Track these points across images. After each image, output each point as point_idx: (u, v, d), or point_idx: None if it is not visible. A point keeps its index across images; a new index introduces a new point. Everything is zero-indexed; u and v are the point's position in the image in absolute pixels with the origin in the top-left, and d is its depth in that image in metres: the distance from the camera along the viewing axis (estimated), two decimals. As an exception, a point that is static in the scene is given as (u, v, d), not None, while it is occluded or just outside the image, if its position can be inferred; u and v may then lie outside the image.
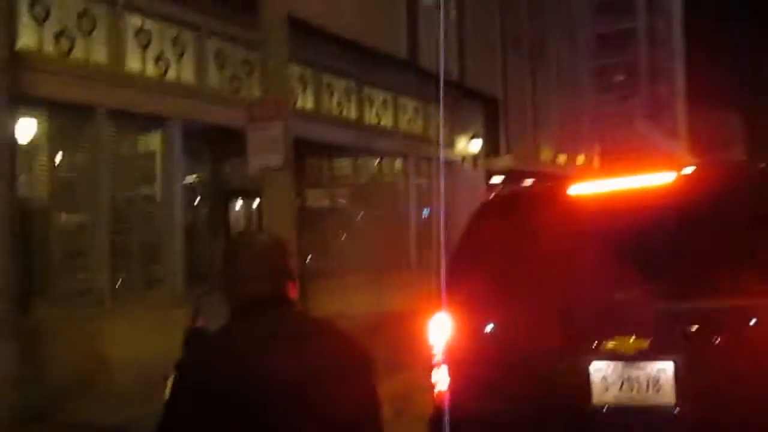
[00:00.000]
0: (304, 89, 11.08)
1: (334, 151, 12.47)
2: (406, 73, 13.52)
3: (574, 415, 2.99)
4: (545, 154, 22.41)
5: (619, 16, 55.02)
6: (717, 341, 2.87)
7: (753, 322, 2.83)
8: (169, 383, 1.60)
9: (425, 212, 14.79)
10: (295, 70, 10.95)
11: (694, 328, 2.88)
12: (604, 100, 32.22)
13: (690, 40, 75.00)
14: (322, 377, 1.58)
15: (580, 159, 26.04)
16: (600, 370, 2.94)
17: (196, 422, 1.50)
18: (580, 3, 27.81)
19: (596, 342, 2.95)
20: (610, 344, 2.92)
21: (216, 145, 9.89)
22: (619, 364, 2.92)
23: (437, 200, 14.97)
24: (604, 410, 2.95)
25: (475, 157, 15.96)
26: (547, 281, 3.16)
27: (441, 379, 3.24)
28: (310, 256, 11.41)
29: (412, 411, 5.14)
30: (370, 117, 12.80)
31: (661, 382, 2.85)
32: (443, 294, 3.33)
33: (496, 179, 18.56)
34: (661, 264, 3.03)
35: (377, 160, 13.60)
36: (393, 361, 8.11)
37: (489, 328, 3.26)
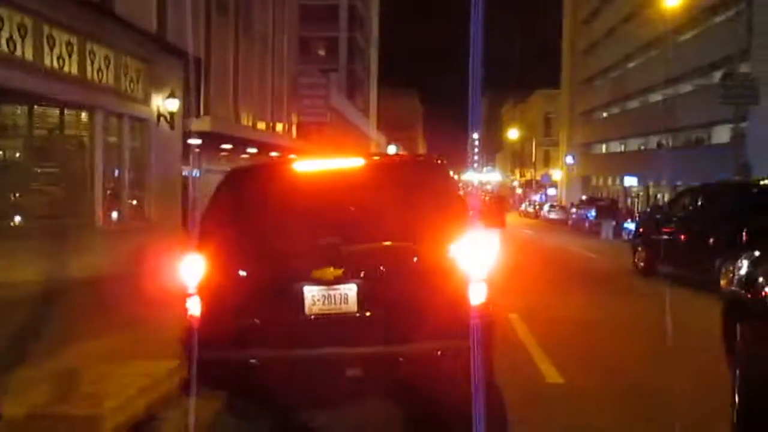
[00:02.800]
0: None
1: (4, 95, 10.87)
2: (97, 17, 12.33)
3: (292, 323, 4.28)
4: (245, 120, 22.54)
5: (323, -7, 57.18)
6: (381, 270, 4.38)
7: (398, 257, 4.42)
8: None
9: (115, 172, 13.82)
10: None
11: (368, 263, 4.33)
12: (305, 72, 33.42)
13: (383, 24, 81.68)
14: None
15: (279, 127, 26.78)
16: (310, 291, 4.27)
17: None
18: (287, -26, 28.30)
19: (307, 273, 4.26)
20: (316, 274, 4.24)
21: None
22: (323, 288, 4.27)
23: (128, 159, 14.08)
24: (312, 317, 4.28)
25: (171, 116, 15.33)
26: (274, 233, 4.46)
27: (193, 306, 4.35)
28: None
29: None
30: (51, 60, 11.41)
31: (349, 297, 4.28)
32: (196, 241, 4.41)
33: (194, 140, 18.12)
34: (349, 221, 4.49)
35: (59, 111, 12.23)
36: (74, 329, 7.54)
37: (232, 267, 4.39)
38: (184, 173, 18.03)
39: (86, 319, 8.14)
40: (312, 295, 4.26)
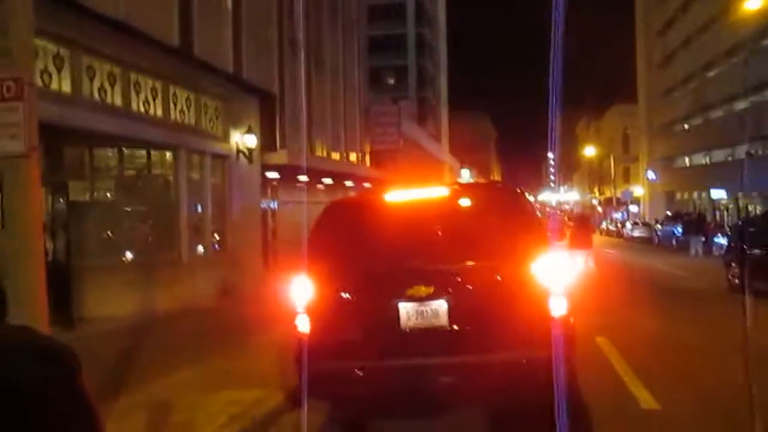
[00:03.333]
0: (60, 70, 10.10)
1: (96, 139, 11.55)
2: (178, 61, 12.97)
3: (389, 336, 4.82)
4: (319, 151, 23.01)
5: (389, 22, 58.12)
6: (467, 287, 4.90)
7: (482, 275, 4.90)
8: None
9: (198, 207, 14.36)
10: (51, 48, 9.98)
11: (456, 281, 4.88)
12: (376, 101, 33.94)
13: (451, 47, 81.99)
14: None
15: (353, 156, 27.19)
16: (405, 307, 4.80)
17: None
18: (354, 7, 28.95)
19: (401, 291, 4.80)
20: (409, 292, 4.78)
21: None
22: (416, 304, 4.79)
23: (210, 194, 14.61)
24: (407, 331, 4.81)
25: (249, 152, 15.83)
26: (371, 256, 5.12)
27: (302, 324, 4.92)
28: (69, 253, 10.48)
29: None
30: (138, 105, 12.05)
31: (439, 313, 4.77)
32: (305, 266, 4.98)
33: (271, 174, 18.62)
34: (436, 244, 5.09)
35: (146, 152, 12.87)
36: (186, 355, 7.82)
37: (335, 288, 4.97)
38: (262, 206, 18.54)
39: (167, 352, 8.41)
40: (407, 311, 4.80)
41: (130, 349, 8.64)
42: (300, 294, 4.95)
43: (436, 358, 4.74)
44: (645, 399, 5.76)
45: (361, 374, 4.80)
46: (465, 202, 5.47)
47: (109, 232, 12.34)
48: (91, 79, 10.81)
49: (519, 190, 5.79)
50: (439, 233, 5.18)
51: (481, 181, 49.88)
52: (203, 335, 9.67)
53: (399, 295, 4.79)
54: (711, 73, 44.17)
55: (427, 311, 4.76)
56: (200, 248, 14.24)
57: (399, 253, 4.96)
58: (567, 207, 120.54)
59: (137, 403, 5.86)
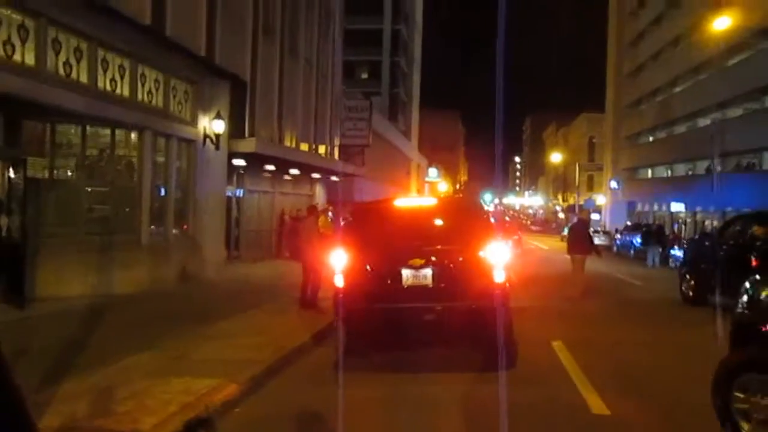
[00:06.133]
0: (24, 42, 9.80)
1: (59, 115, 11.25)
2: (148, 41, 12.70)
3: (395, 289, 7.36)
4: (288, 141, 22.81)
5: (366, 17, 57.90)
6: (445, 261, 7.45)
7: (454, 254, 7.51)
8: None
9: (161, 191, 14.10)
10: (15, 18, 9.69)
11: (437, 256, 7.43)
12: (349, 95, 33.78)
13: (426, 46, 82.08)
14: None
15: (322, 149, 27.02)
16: (405, 272, 7.37)
17: None
18: (332, -1, 28.73)
19: (404, 262, 7.37)
20: (409, 262, 7.35)
21: None
22: (413, 270, 7.36)
23: (174, 179, 14.36)
24: (406, 287, 7.37)
25: (217, 138, 15.61)
26: (383, 240, 7.78)
27: (338, 281, 7.47)
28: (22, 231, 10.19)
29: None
30: (104, 82, 11.77)
31: (427, 276, 7.36)
32: (340, 245, 7.65)
33: (238, 162, 18.40)
34: (426, 233, 7.81)
35: (110, 131, 12.57)
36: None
37: (361, 259, 7.52)
38: (227, 193, 18.31)
39: (119, 336, 8.26)
40: (406, 274, 7.39)
41: (80, 332, 8.45)
42: (337, 262, 7.48)
43: (423, 303, 7.36)
44: (596, 405, 5.85)
45: (377, 312, 7.44)
46: (445, 208, 8.93)
47: (67, 211, 12.03)
48: (57, 53, 10.52)
49: (479, 203, 9.75)
50: (428, 227, 8.00)
51: (448, 180, 58.69)
52: (158, 320, 9.51)
53: (402, 264, 7.38)
54: (678, 88, 45.13)
55: (419, 275, 7.38)
56: (161, 232, 13.99)
57: (402, 238, 7.74)
58: (530, 211, 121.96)
59: (80, 389, 5.73)
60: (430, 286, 7.29)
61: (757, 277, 5.39)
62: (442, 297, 7.27)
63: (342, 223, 8.08)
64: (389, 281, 7.36)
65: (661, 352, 8.64)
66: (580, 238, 14.82)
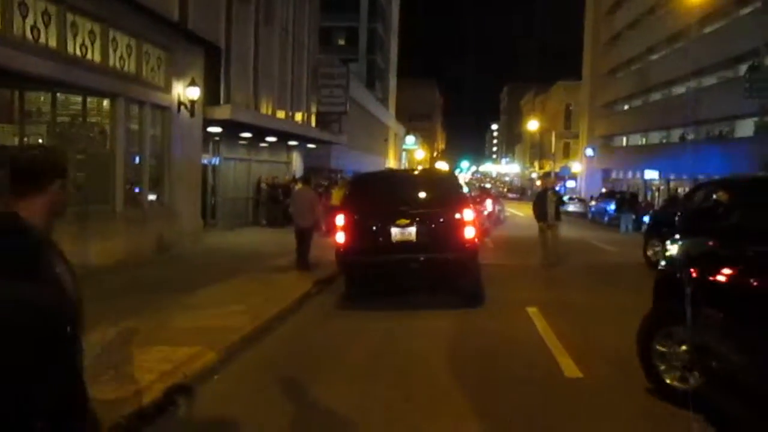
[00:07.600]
0: (-10, 5, 9.50)
1: (28, 82, 10.97)
2: (119, 5, 12.38)
3: (386, 243, 9.08)
4: (264, 108, 22.55)
5: (343, -18, 56.80)
6: (426, 221, 9.15)
7: (433, 216, 9.26)
8: None
9: (135, 159, 13.91)
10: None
11: (420, 217, 9.14)
12: (325, 62, 33.35)
13: (404, 13, 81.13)
14: None
15: (298, 116, 26.77)
16: (394, 230, 9.11)
17: None
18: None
19: (393, 221, 9.10)
20: (397, 222, 9.09)
21: None
22: (400, 228, 9.10)
23: (149, 146, 14.16)
24: (395, 242, 9.09)
25: (192, 104, 15.38)
26: (377, 203, 9.49)
27: (340, 237, 9.28)
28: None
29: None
30: (74, 47, 11.48)
31: (412, 233, 9.08)
32: (344, 207, 9.65)
33: (213, 129, 18.18)
34: (412, 198, 9.57)
35: (81, 98, 12.31)
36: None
37: (359, 219, 9.28)
38: (203, 161, 18.12)
39: (97, 308, 8.24)
40: (395, 231, 9.07)
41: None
42: (339, 221, 9.26)
43: (409, 254, 8.99)
44: (570, 368, 6.00)
45: (373, 263, 9.15)
46: (428, 178, 11.19)
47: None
48: (24, 17, 10.22)
49: (455, 174, 12.55)
50: (415, 193, 9.72)
51: (426, 148, 69.11)
52: (134, 292, 9.48)
53: (392, 223, 9.05)
54: (654, 57, 45.31)
55: (405, 232, 9.06)
56: (136, 201, 13.84)
57: (392, 202, 9.36)
58: (507, 179, 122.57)
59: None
60: (414, 241, 8.98)
61: (677, 236, 6.08)
62: (424, 249, 8.92)
63: (346, 192, 10.52)
64: (381, 237, 9.07)
65: (632, 316, 8.85)
66: (539, 205, 15.16)
